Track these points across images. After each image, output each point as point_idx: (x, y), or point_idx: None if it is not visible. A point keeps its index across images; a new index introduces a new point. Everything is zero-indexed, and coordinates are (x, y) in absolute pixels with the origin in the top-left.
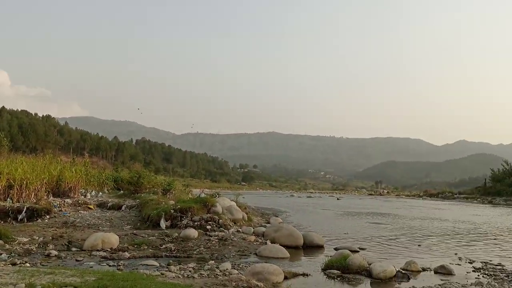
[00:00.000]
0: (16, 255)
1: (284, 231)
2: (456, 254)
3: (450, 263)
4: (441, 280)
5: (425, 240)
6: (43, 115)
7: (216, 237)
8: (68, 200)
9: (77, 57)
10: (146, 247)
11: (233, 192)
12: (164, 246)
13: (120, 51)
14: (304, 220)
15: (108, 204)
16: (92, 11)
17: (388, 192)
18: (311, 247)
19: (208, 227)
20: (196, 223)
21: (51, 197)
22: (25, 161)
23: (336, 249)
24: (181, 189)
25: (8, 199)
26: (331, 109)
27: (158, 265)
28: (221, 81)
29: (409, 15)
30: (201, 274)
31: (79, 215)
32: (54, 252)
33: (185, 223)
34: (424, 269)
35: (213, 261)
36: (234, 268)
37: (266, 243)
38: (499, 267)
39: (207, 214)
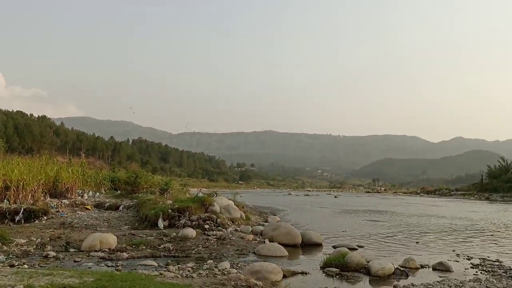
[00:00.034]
0: (14, 256)
1: (282, 230)
2: (454, 250)
3: (448, 260)
4: (440, 277)
5: (423, 237)
6: (38, 116)
7: (214, 236)
8: (65, 201)
9: (74, 57)
10: (144, 247)
11: (230, 191)
12: (162, 246)
13: (120, 51)
14: (302, 219)
15: (106, 205)
16: (92, 11)
17: (385, 190)
18: (309, 245)
19: (206, 226)
20: (194, 223)
21: (48, 198)
22: (22, 162)
23: (334, 247)
24: (178, 189)
25: (5, 200)
26: (328, 107)
27: (156, 265)
28: (221, 81)
29: (409, 15)
30: (199, 273)
31: (77, 215)
32: (52, 253)
33: (183, 222)
34: (422, 266)
35: (211, 261)
36: (233, 267)
37: (264, 241)
38: (497, 263)
39: (205, 213)
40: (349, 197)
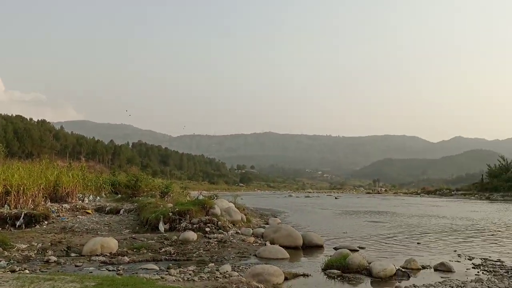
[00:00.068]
0: (15, 262)
1: (283, 232)
2: (455, 251)
3: (450, 260)
4: (441, 277)
5: (424, 238)
6: (38, 120)
7: (215, 239)
8: (66, 205)
9: (74, 57)
10: (145, 251)
11: (231, 193)
12: (163, 249)
13: (120, 51)
14: (303, 220)
15: (106, 209)
16: (92, 11)
17: (386, 190)
18: (310, 247)
19: (207, 229)
20: (195, 226)
21: (49, 203)
22: (22, 167)
23: (335, 248)
24: (179, 192)
25: (6, 205)
26: (328, 107)
27: (158, 268)
28: (221, 81)
29: (409, 15)
30: (201, 277)
31: (77, 220)
32: (53, 258)
33: (184, 225)
34: (424, 267)
35: (213, 264)
36: (234, 270)
37: (265, 244)
38: (498, 263)
39: (205, 216)
40: (350, 198)
